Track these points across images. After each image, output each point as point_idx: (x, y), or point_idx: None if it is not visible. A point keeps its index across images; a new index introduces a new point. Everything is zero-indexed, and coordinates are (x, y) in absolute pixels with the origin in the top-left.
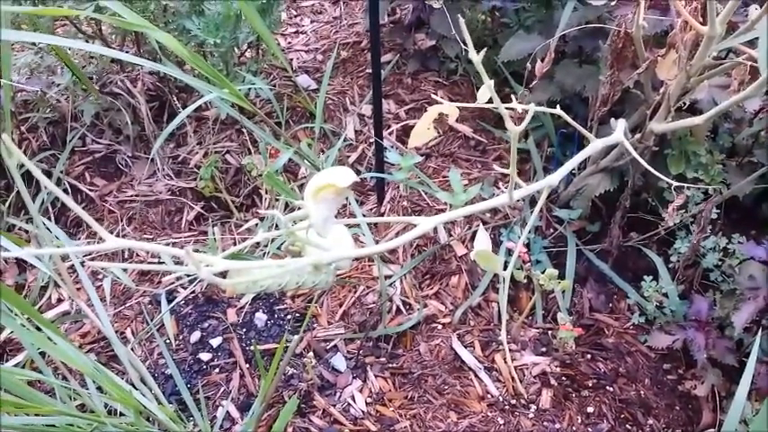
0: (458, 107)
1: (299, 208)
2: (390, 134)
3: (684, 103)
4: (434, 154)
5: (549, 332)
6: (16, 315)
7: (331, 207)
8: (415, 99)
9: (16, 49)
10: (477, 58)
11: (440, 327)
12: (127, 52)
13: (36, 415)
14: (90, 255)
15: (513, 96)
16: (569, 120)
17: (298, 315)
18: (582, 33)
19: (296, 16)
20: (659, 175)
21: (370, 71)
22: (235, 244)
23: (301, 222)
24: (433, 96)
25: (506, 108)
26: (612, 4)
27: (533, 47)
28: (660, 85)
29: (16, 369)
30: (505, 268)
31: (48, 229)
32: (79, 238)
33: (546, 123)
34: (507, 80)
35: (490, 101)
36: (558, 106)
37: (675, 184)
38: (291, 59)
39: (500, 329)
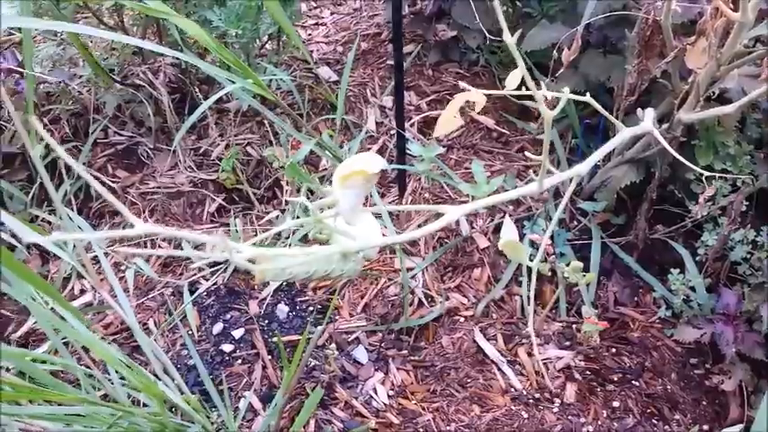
0: (484, 95)
1: (322, 198)
2: (412, 126)
3: (713, 93)
4: (456, 146)
5: (574, 326)
6: (41, 304)
7: (359, 194)
8: (436, 90)
9: (38, 40)
10: (511, 40)
11: (462, 320)
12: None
13: (59, 404)
14: (115, 243)
15: (537, 87)
16: (599, 107)
17: (320, 307)
18: (607, 22)
19: (316, 8)
20: (689, 165)
21: (392, 62)
22: (256, 236)
23: (328, 210)
24: (456, 87)
25: (534, 96)
26: None
27: (557, 36)
28: (688, 74)
29: (42, 355)
30: (530, 260)
31: (70, 219)
32: (102, 230)
33: (570, 114)
34: (531, 71)
35: (518, 88)
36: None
37: (706, 173)
38: (312, 51)
39: (523, 323)
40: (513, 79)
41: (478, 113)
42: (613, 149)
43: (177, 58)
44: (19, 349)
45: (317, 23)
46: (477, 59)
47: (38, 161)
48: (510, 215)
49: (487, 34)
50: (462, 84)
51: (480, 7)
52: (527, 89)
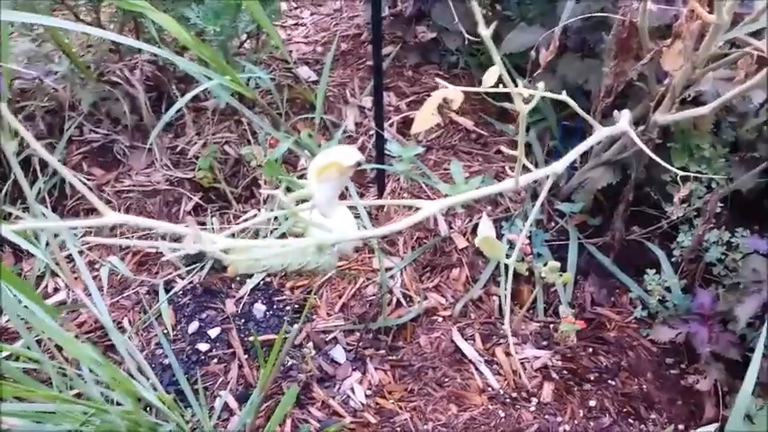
0: (463, 92)
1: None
2: (391, 126)
3: (689, 95)
4: (435, 147)
5: (551, 326)
6: (14, 302)
7: (335, 187)
8: (415, 92)
9: (13, 37)
10: (486, 32)
11: (440, 319)
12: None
13: (31, 402)
14: (90, 240)
15: (515, 85)
16: (576, 107)
17: (297, 306)
18: (585, 26)
19: (296, 8)
20: (665, 165)
21: (371, 63)
22: (233, 235)
23: (304, 204)
24: (435, 89)
25: (511, 92)
26: None
27: (535, 39)
28: (664, 77)
29: (15, 348)
30: (507, 258)
31: (44, 216)
32: (76, 228)
33: (548, 116)
34: (509, 72)
35: (495, 85)
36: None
37: (681, 173)
38: (291, 51)
39: (501, 323)
40: (490, 77)
41: (458, 115)
42: (590, 152)
43: (155, 56)
44: None
45: (296, 24)
46: (456, 61)
47: (11, 157)
48: (488, 215)
49: (467, 35)
50: (440, 80)
51: (460, 9)
52: (504, 87)
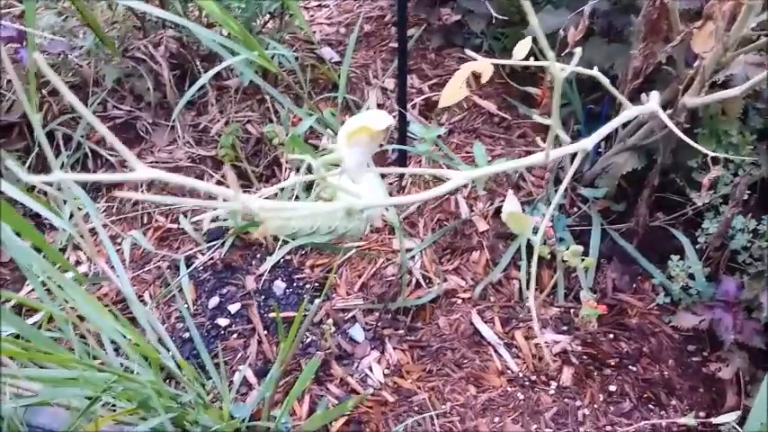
0: (491, 67)
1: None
2: (413, 108)
3: (718, 79)
4: (457, 130)
5: (572, 311)
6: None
7: (365, 152)
8: (438, 74)
9: (39, 10)
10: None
11: (459, 302)
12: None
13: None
14: (112, 215)
15: (541, 74)
16: (606, 83)
17: (317, 285)
18: (612, 9)
19: None
20: (695, 146)
21: (394, 45)
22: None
23: (333, 171)
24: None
25: (547, 56)
26: None
27: (562, 22)
28: (693, 60)
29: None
30: (529, 244)
31: (69, 189)
32: (99, 203)
33: (573, 100)
34: (535, 56)
35: (526, 58)
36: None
37: (711, 154)
38: (314, 32)
39: (521, 307)
40: (520, 49)
41: (481, 98)
42: (615, 137)
43: (179, 32)
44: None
45: (319, 5)
46: (480, 45)
47: (38, 127)
48: None
49: (495, 14)
50: (469, 52)
51: None
52: (536, 59)
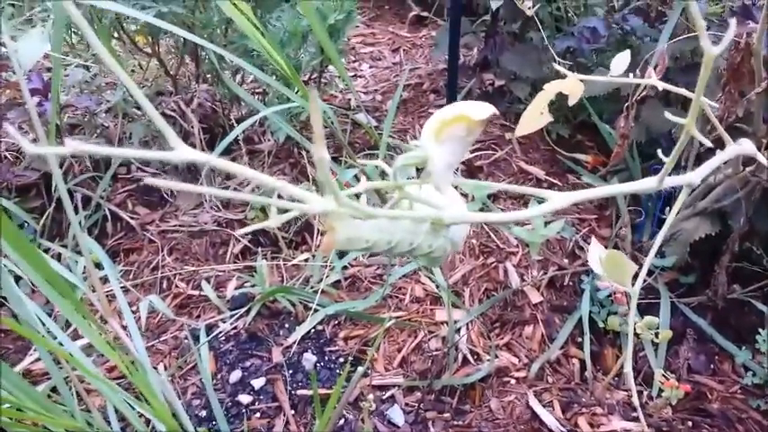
0: (581, 81)
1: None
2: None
3: None
4: (503, 196)
5: (644, 394)
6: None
7: (457, 151)
8: (480, 140)
9: (68, 67)
10: None
11: (513, 382)
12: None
13: None
14: (129, 280)
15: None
16: (696, 133)
17: (351, 359)
18: (674, 67)
19: (354, 62)
20: None
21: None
22: (282, 281)
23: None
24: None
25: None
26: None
27: (616, 83)
28: None
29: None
30: (591, 318)
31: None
32: (117, 267)
33: (631, 166)
34: (590, 116)
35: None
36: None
37: None
38: (350, 100)
39: (582, 389)
40: (619, 64)
41: (527, 164)
42: (683, 202)
43: (211, 87)
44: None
45: (355, 75)
46: (523, 111)
47: (61, 185)
48: (565, 269)
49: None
50: (558, 67)
51: (532, 56)
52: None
